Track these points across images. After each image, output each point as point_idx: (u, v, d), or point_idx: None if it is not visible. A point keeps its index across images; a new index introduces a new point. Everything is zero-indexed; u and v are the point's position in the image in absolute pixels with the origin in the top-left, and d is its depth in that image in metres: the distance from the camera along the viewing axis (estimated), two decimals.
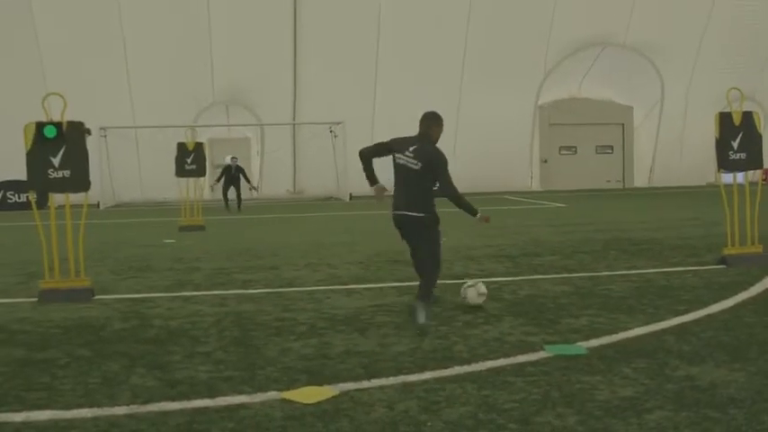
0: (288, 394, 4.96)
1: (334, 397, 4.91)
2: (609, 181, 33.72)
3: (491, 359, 5.70)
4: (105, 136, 26.42)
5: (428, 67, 28.40)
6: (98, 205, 26.13)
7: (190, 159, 17.55)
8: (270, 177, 30.30)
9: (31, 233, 15.56)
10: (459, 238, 13.82)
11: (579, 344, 6.11)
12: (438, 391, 4.99)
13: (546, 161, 32.84)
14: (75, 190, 8.74)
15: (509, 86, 29.45)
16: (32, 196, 9.02)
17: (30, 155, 8.64)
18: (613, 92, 32.92)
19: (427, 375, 5.34)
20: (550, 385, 5.03)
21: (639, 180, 33.84)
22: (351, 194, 28.03)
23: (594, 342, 6.15)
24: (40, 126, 8.62)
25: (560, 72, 31.08)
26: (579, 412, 4.49)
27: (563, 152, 33.77)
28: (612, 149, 34.14)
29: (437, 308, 7.58)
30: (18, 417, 4.73)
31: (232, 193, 24.34)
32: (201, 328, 7.04)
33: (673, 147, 32.44)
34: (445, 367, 5.52)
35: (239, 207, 24.18)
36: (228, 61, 28.20)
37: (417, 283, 7.29)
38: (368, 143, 25.29)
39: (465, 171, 28.96)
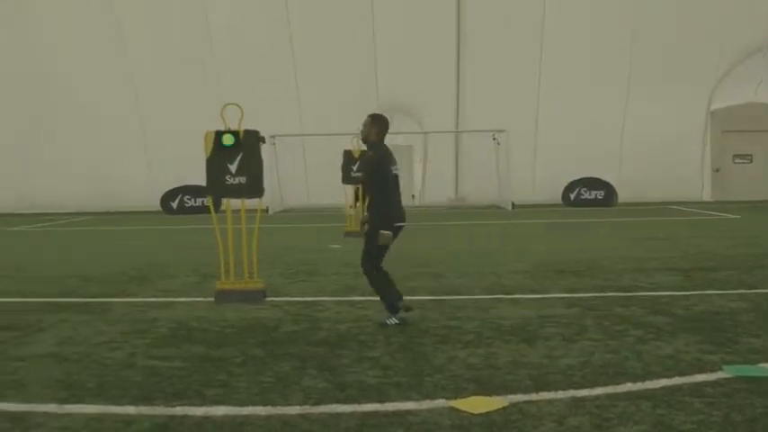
0: (456, 403, 4.95)
1: (502, 408, 4.86)
2: None
3: (666, 377, 5.48)
4: (274, 144, 27.36)
5: (593, 72, 27.70)
6: (267, 210, 27.10)
7: (356, 166, 17.90)
8: (431, 185, 30.43)
9: (207, 236, 16.35)
10: (628, 248, 13.41)
11: (762, 365, 5.77)
12: (610, 407, 4.84)
13: (718, 170, 31.28)
14: (251, 196, 9.07)
15: (679, 92, 28.21)
16: (210, 201, 9.43)
17: (209, 161, 9.06)
18: None
19: (598, 391, 5.19)
20: (731, 408, 4.78)
21: None
22: (513, 203, 27.74)
23: None
24: (219, 134, 9.02)
25: (735, 76, 29.53)
26: None
27: (737, 161, 32.02)
28: None
29: (606, 321, 7.39)
30: (198, 411, 4.96)
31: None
32: (369, 333, 7.15)
33: None
34: (617, 383, 5.36)
35: None
36: (392, 69, 28.54)
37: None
38: (531, 150, 24.99)
39: (631, 180, 28.28)
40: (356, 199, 18.39)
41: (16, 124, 28.60)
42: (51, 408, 5.12)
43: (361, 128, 7.65)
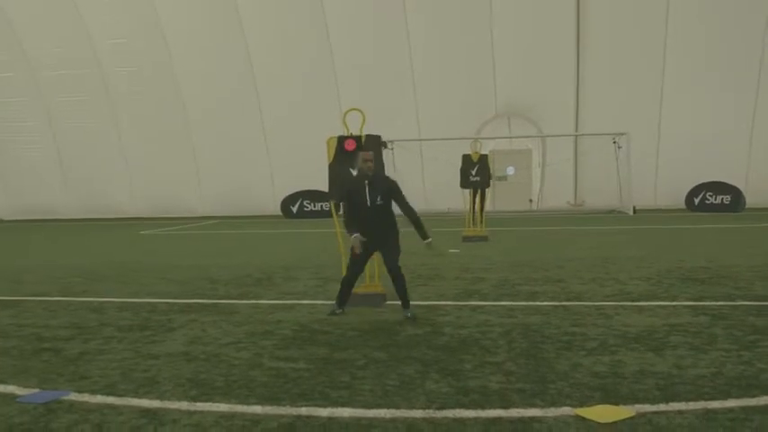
0: (582, 411, 4.86)
1: (630, 418, 4.75)
2: None
3: None
4: (392, 149, 27.55)
5: (718, 72, 26.72)
6: None
7: (474, 171, 17.84)
8: (551, 189, 30.00)
9: (326, 239, 16.63)
10: (758, 255, 12.88)
11: None
12: (744, 421, 4.65)
13: None
14: None
15: None
16: (333, 205, 9.57)
17: (331, 166, 9.20)
18: None
19: (731, 403, 5.00)
20: None
21: None
22: (635, 207, 27.03)
23: None
24: (341, 139, 9.16)
25: None
26: None
27: None
28: None
29: (737, 331, 7.12)
30: (324, 412, 5.04)
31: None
32: (491, 338, 7.10)
33: None
34: (751, 396, 5.14)
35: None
36: (511, 73, 28.31)
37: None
38: (653, 154, 24.32)
39: (761, 184, 27.08)
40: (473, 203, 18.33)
41: (149, 134, 29.93)
42: (183, 405, 5.31)
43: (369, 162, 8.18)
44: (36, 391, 5.76)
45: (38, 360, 6.81)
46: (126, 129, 30.29)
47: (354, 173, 9.10)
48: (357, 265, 8.40)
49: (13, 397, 5.61)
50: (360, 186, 8.14)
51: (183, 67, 28.89)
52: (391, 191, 8.19)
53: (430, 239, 8.27)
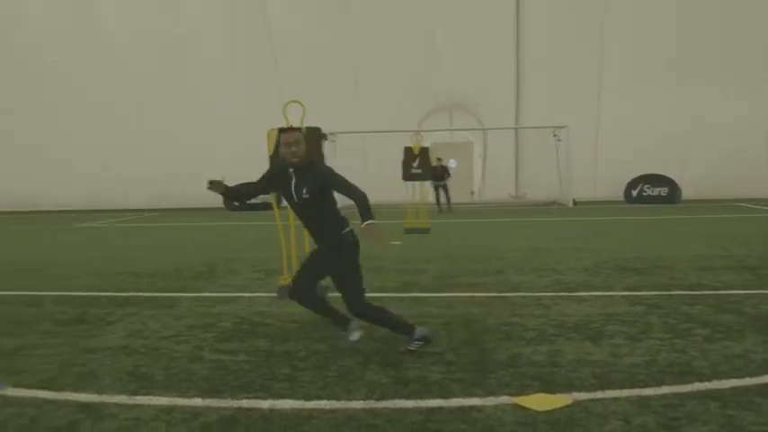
0: (520, 400, 4.94)
1: (567, 406, 4.84)
2: None
3: (735, 377, 5.38)
4: (334, 141, 27.52)
5: (657, 67, 27.27)
6: None
7: (416, 163, 17.92)
8: (491, 181, 30.30)
9: (267, 232, 16.53)
10: (693, 246, 13.19)
11: None
12: (677, 407, 4.78)
13: None
14: None
15: (749, 86, 27.58)
16: (272, 197, 9.53)
17: (273, 158, 9.16)
18: None
19: (665, 390, 5.13)
20: None
21: None
22: (574, 200, 27.47)
23: None
24: (281, 131, 9.10)
25: None
26: None
27: None
28: None
29: (671, 320, 7.30)
30: (265, 404, 5.04)
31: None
32: (431, 329, 7.13)
33: None
34: (685, 383, 5.28)
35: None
36: (451, 66, 28.51)
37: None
38: (593, 147, 24.71)
39: (696, 176, 27.73)
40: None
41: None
42: (122, 399, 5.26)
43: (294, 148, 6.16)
44: None
45: None
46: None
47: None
48: (298, 279, 6.43)
49: None
50: (285, 178, 6.25)
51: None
52: (322, 179, 6.09)
53: (370, 221, 5.80)
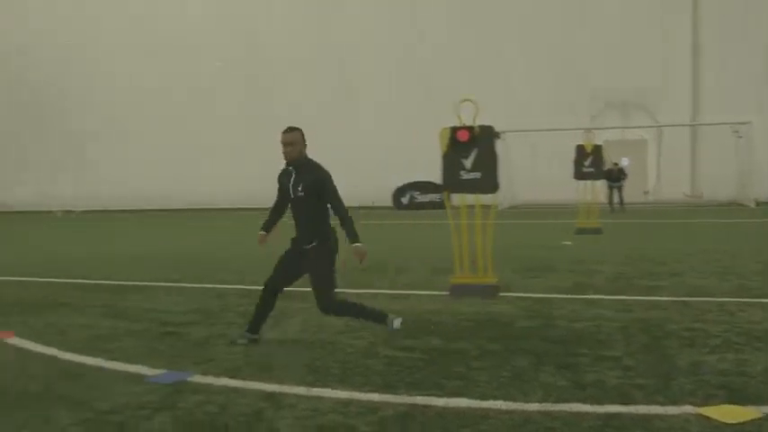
0: (705, 410, 4.71)
1: (757, 419, 4.57)
2: None
3: None
4: (504, 139, 27.36)
5: None
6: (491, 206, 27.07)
7: (588, 162, 17.52)
8: (667, 180, 29.19)
9: (437, 230, 16.64)
10: None
11: None
12: None
13: None
14: (485, 191, 9.12)
15: None
16: (446, 196, 9.58)
17: (445, 157, 9.21)
18: None
19: None
20: None
21: None
22: (756, 200, 25.99)
23: None
24: (454, 130, 9.15)
25: None
26: None
27: None
28: None
29: None
30: (439, 402, 5.06)
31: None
32: (606, 332, 6.97)
33: None
34: None
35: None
36: (624, 61, 27.70)
37: None
38: None
39: None
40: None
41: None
42: (301, 390, 5.42)
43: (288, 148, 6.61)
44: (163, 371, 5.99)
45: (163, 343, 7.09)
46: None
47: (468, 164, 9.09)
48: (278, 276, 6.91)
49: (142, 377, 5.86)
50: (287, 174, 6.75)
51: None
52: (318, 182, 6.56)
53: (358, 244, 6.56)
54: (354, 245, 6.57)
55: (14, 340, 7.35)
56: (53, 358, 6.58)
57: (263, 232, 7.07)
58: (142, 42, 33.39)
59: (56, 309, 9.14)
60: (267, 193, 8.13)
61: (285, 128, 6.76)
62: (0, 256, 15.91)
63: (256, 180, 30.42)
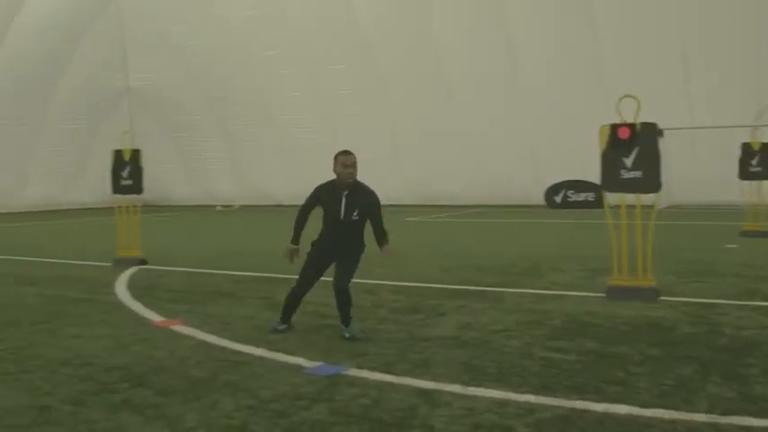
0: None
1: None
2: None
3: None
4: (663, 137, 26.38)
5: None
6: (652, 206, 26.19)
7: (755, 161, 16.64)
8: None
9: (592, 230, 16.27)
10: None
11: None
12: None
13: None
14: (647, 191, 8.84)
15: None
16: (605, 196, 9.35)
17: (604, 156, 8.98)
18: None
19: None
20: None
21: None
22: None
23: None
24: (614, 128, 8.90)
25: None
26: None
27: None
28: None
29: None
30: (599, 407, 4.93)
31: None
32: None
33: None
34: None
35: None
36: None
37: None
38: None
39: None
40: None
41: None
42: (456, 388, 5.41)
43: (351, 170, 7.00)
44: (320, 364, 6.14)
45: (321, 335, 7.27)
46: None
47: (628, 162, 8.83)
48: (307, 279, 7.36)
49: (300, 368, 6.02)
50: (336, 197, 7.01)
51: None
52: (372, 207, 7.06)
53: (387, 246, 7.33)
54: (385, 246, 7.28)
55: (181, 328, 7.72)
56: (218, 347, 6.87)
57: (294, 246, 7.32)
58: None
59: (218, 299, 9.54)
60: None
61: (343, 150, 7.08)
62: (168, 247, 16.73)
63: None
